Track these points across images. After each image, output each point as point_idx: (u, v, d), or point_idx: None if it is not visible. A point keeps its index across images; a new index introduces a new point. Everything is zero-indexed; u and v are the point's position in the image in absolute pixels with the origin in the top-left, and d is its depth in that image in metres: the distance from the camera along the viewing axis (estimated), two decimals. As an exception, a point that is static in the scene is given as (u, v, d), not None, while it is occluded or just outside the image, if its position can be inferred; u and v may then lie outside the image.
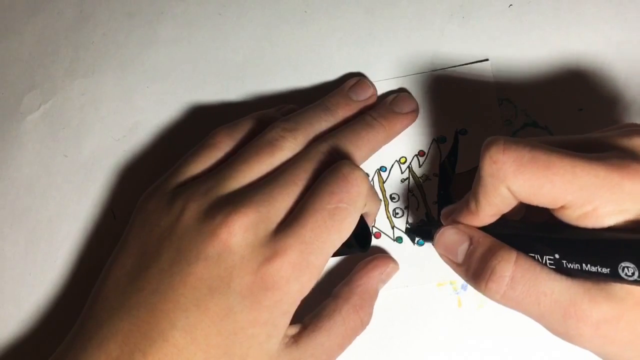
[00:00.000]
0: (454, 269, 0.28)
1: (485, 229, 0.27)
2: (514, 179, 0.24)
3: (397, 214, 0.34)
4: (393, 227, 0.34)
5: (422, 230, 0.33)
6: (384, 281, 0.32)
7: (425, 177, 0.34)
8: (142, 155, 0.37)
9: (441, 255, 0.29)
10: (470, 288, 0.32)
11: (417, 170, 0.34)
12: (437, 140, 0.34)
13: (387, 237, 0.33)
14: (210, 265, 0.27)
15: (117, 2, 0.40)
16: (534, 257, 0.25)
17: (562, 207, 0.24)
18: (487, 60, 0.34)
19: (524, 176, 0.24)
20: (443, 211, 0.30)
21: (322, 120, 0.32)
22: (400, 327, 0.32)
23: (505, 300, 0.25)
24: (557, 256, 0.24)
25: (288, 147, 0.30)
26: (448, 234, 0.28)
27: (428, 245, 0.33)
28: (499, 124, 0.33)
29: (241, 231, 0.27)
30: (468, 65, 0.35)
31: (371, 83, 0.35)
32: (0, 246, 0.37)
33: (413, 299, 0.32)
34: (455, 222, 0.28)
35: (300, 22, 0.37)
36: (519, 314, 0.31)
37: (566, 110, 0.33)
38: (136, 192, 0.32)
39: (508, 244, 0.26)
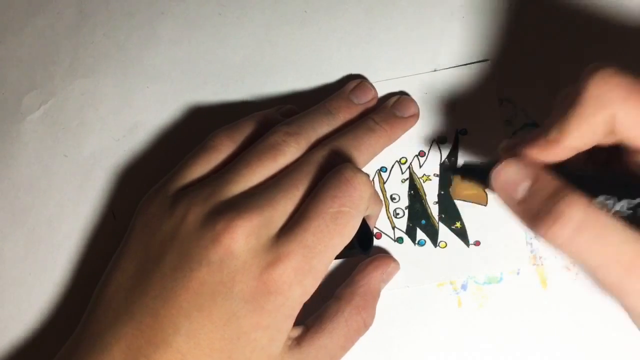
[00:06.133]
0: (509, 206, 0.25)
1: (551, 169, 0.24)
2: (623, 105, 0.22)
3: (398, 214, 0.34)
4: (394, 227, 0.34)
5: (477, 168, 0.29)
6: (385, 281, 0.32)
7: (426, 177, 0.34)
8: (142, 155, 0.37)
9: (497, 190, 0.25)
10: (470, 288, 0.32)
11: (418, 171, 0.34)
12: (438, 140, 0.34)
13: (387, 237, 0.34)
14: (213, 270, 0.27)
15: (117, 2, 0.40)
16: (602, 204, 0.23)
17: None
18: (487, 60, 0.34)
19: (636, 103, 0.22)
20: (504, 143, 0.27)
21: (324, 124, 0.32)
22: (400, 327, 0.32)
23: (566, 245, 0.22)
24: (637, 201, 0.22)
25: (290, 152, 0.30)
26: (511, 171, 0.24)
27: (429, 246, 0.33)
28: (499, 124, 0.33)
29: (244, 236, 0.27)
30: (468, 65, 0.35)
31: (372, 86, 0.34)
32: (0, 246, 0.37)
33: (413, 299, 0.33)
34: (518, 156, 0.25)
35: (300, 22, 0.37)
36: (518, 314, 0.31)
37: (566, 111, 0.33)
38: (136, 193, 0.32)
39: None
